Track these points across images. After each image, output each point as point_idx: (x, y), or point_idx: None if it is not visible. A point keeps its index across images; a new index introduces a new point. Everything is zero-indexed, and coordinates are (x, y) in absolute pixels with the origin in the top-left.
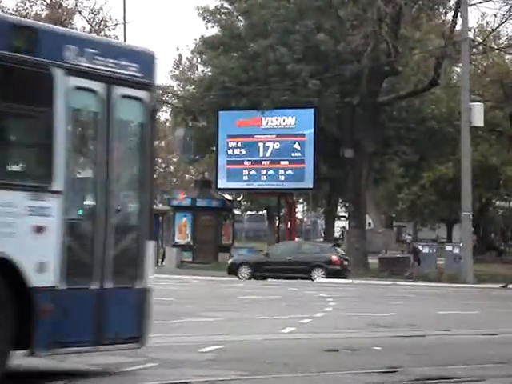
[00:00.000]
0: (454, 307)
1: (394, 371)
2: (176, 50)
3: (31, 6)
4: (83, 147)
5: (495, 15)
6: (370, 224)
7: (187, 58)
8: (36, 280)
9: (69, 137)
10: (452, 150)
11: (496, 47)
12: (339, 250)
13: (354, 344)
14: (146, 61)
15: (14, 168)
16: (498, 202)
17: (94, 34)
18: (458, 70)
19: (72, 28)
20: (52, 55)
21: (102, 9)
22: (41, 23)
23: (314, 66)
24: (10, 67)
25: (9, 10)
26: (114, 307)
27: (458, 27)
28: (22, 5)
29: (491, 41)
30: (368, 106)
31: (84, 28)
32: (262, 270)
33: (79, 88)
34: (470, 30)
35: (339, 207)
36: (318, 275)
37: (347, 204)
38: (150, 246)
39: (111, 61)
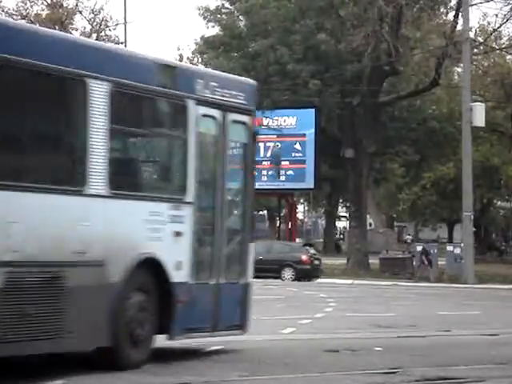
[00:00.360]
0: (455, 308)
1: (395, 372)
2: (177, 50)
3: (32, 6)
4: (206, 164)
5: (496, 15)
6: (370, 224)
7: (188, 57)
8: (174, 276)
9: (197, 156)
10: (453, 150)
11: (497, 47)
12: (311, 249)
13: (355, 344)
14: (248, 90)
15: (161, 183)
16: (499, 203)
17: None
18: (459, 70)
19: (72, 28)
20: (187, 89)
21: (102, 9)
22: (179, 62)
23: (315, 66)
24: (157, 99)
25: (9, 9)
26: (226, 299)
27: (459, 27)
28: (23, 5)
29: (492, 41)
30: (369, 105)
31: (84, 28)
32: None
33: (204, 115)
34: (471, 30)
35: (340, 207)
36: (288, 275)
37: (348, 204)
38: (251, 247)
39: (226, 91)
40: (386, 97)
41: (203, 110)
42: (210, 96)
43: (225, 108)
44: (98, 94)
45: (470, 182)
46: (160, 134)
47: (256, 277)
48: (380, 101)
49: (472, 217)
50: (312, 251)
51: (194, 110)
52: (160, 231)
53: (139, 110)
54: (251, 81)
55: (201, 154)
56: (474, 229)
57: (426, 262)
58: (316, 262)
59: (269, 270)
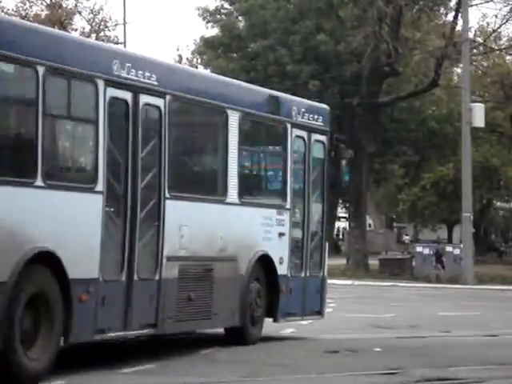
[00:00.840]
0: (455, 308)
1: (395, 373)
2: (176, 51)
3: (31, 7)
4: (297, 176)
5: (496, 16)
6: (370, 225)
7: (187, 58)
8: (278, 269)
9: (292, 171)
10: (453, 151)
11: (497, 48)
12: None
13: (354, 345)
14: (324, 113)
15: (270, 193)
16: (498, 203)
17: (93, 35)
18: (458, 70)
19: (72, 29)
20: (286, 115)
21: (102, 9)
22: (282, 94)
23: (314, 67)
24: (268, 124)
25: (8, 10)
26: (310, 290)
27: (458, 28)
28: (22, 5)
29: (492, 41)
30: (368, 106)
31: (84, 28)
32: None
33: (297, 136)
34: (470, 31)
35: (339, 208)
36: None
37: (347, 205)
38: (327, 245)
39: (310, 115)
40: (386, 97)
41: (297, 132)
42: (301, 120)
43: (309, 129)
44: (233, 121)
45: (470, 182)
46: (270, 152)
47: None
48: (379, 101)
49: (471, 217)
50: None
51: (291, 133)
52: (270, 232)
53: (256, 133)
54: (326, 106)
55: (294, 168)
56: (474, 230)
57: (437, 263)
58: None
59: None
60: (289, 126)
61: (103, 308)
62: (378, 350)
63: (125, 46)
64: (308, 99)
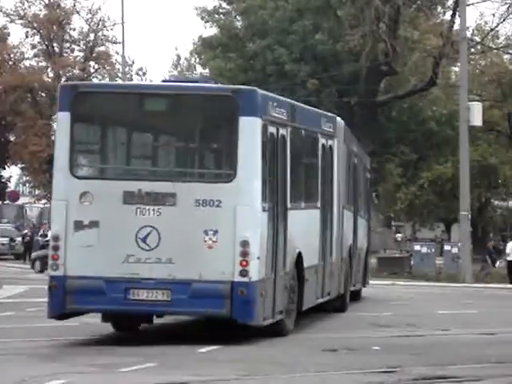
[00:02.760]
0: (453, 307)
1: (393, 371)
2: (174, 50)
3: (29, 7)
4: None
5: (493, 15)
6: None
7: (185, 58)
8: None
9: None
10: (451, 151)
11: (494, 47)
12: None
13: (353, 344)
14: (334, 122)
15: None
16: (496, 202)
17: (92, 35)
18: (456, 69)
19: (70, 28)
20: (318, 128)
21: (100, 9)
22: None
23: (312, 66)
24: (319, 137)
25: (7, 10)
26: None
27: (456, 27)
28: (21, 5)
29: (489, 40)
30: (366, 105)
31: (82, 28)
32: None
33: (323, 145)
34: (468, 30)
35: None
36: None
37: None
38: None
39: (327, 124)
40: (384, 96)
41: (323, 140)
42: (326, 129)
43: (329, 136)
44: (321, 143)
45: (468, 181)
46: (324, 162)
47: None
48: (377, 100)
49: (469, 216)
50: None
51: (322, 142)
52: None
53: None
54: (335, 116)
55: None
56: (471, 228)
57: (488, 262)
58: None
59: None
60: (337, 140)
61: (325, 281)
62: (377, 348)
63: (123, 46)
64: (306, 98)
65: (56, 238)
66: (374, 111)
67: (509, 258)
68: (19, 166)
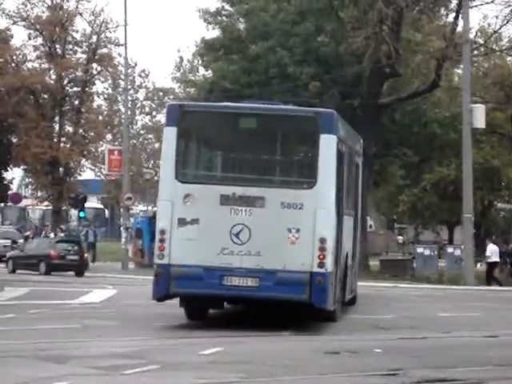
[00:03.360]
0: (455, 309)
1: (395, 374)
2: (177, 52)
3: (32, 8)
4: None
5: (497, 17)
6: (370, 226)
7: (188, 60)
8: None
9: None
10: (454, 153)
11: (497, 49)
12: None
13: (355, 346)
14: (359, 139)
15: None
16: (499, 204)
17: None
18: (459, 71)
19: (73, 30)
20: (357, 146)
21: (103, 11)
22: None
23: (315, 68)
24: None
25: (10, 11)
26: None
27: (459, 29)
28: (23, 7)
29: (492, 42)
30: (369, 107)
31: (85, 30)
32: (19, 264)
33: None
34: (471, 32)
35: None
36: (42, 269)
37: None
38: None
39: (356, 142)
40: (387, 98)
41: (357, 158)
42: (352, 146)
43: (357, 154)
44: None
45: (471, 183)
46: (357, 175)
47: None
48: (380, 103)
49: (472, 218)
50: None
51: (357, 159)
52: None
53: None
54: (358, 136)
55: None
56: (474, 231)
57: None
58: (72, 257)
59: (31, 264)
60: (358, 154)
61: (353, 277)
62: (379, 350)
63: (125, 48)
64: (308, 100)
65: (163, 232)
66: (377, 113)
67: (489, 260)
68: (21, 167)
